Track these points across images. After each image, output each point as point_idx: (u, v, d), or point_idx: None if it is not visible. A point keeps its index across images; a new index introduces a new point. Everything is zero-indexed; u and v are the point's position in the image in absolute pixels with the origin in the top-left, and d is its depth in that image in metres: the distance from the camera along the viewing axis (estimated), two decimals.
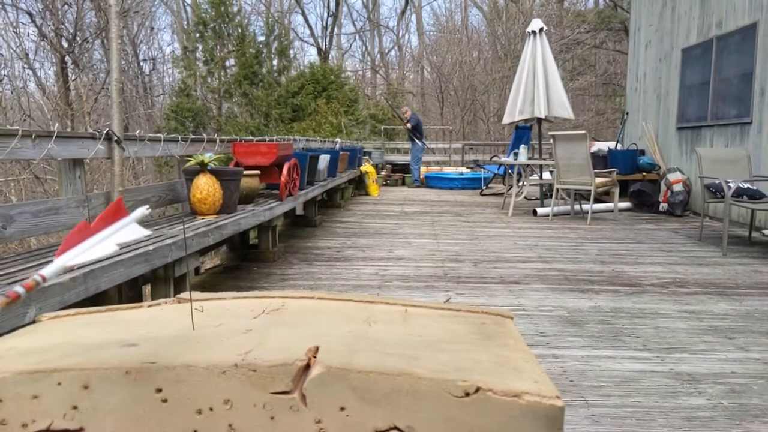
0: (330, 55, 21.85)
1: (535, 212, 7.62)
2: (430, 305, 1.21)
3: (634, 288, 3.90)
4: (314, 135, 12.97)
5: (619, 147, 9.65)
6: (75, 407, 0.82)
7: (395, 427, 0.80)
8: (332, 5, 22.07)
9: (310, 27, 23.09)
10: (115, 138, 3.15)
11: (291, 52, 17.79)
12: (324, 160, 6.76)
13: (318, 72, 16.52)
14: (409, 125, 11.88)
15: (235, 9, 16.12)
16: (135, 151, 3.50)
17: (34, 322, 1.16)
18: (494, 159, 11.12)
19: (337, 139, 11.35)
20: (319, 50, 21.76)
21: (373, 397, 0.80)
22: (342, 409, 0.80)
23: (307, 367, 0.81)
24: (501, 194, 10.14)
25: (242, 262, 4.76)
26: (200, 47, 16.10)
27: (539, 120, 8.16)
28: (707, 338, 2.91)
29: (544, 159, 8.89)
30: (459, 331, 1.05)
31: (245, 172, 4.20)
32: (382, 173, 13.26)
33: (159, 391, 0.82)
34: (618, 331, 3.01)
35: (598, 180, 6.92)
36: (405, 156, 14.18)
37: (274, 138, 7.06)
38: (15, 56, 13.00)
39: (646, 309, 3.42)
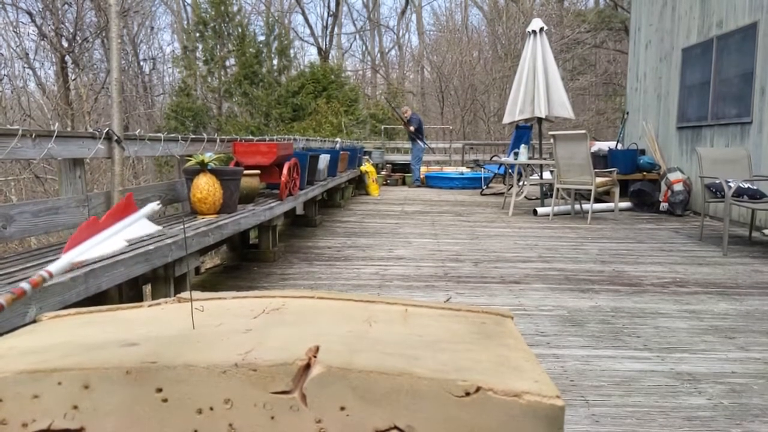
0: (330, 55, 21.85)
1: (535, 212, 7.62)
2: (430, 305, 1.21)
3: (635, 288, 3.90)
4: (314, 135, 12.97)
5: (619, 147, 9.65)
6: (75, 407, 0.82)
7: (395, 427, 0.80)
8: (332, 5, 22.07)
9: (310, 27, 23.12)
10: (115, 138, 3.15)
11: (291, 51, 17.80)
12: (324, 160, 6.75)
13: (318, 72, 16.52)
14: (412, 128, 11.84)
15: (235, 9, 16.12)
16: (135, 151, 3.50)
17: (34, 321, 1.16)
18: (494, 159, 11.12)
19: (337, 139, 11.36)
20: (320, 50, 21.77)
21: (373, 396, 0.80)
22: (342, 408, 0.80)
23: (308, 366, 0.81)
24: (501, 194, 10.14)
25: (242, 262, 4.76)
26: (200, 47, 16.10)
27: (539, 120, 8.15)
28: (707, 338, 2.91)
29: (545, 159, 8.89)
30: (459, 331, 1.05)
31: (245, 172, 4.20)
32: (383, 173, 13.26)
33: (159, 390, 0.82)
34: (618, 331, 3.01)
35: (599, 180, 6.92)
36: (405, 156, 14.18)
37: (274, 138, 7.06)
38: (15, 56, 13.01)
39: (646, 309, 3.42)
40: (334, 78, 16.48)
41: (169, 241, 2.73)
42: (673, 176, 7.67)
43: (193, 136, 4.31)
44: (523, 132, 10.14)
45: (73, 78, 12.94)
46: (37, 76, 13.79)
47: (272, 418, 0.81)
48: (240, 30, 15.88)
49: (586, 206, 7.37)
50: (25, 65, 13.31)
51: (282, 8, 23.56)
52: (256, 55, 15.90)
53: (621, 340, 2.88)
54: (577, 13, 20.45)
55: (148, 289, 3.22)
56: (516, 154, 8.09)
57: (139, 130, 6.87)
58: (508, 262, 4.69)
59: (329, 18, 22.22)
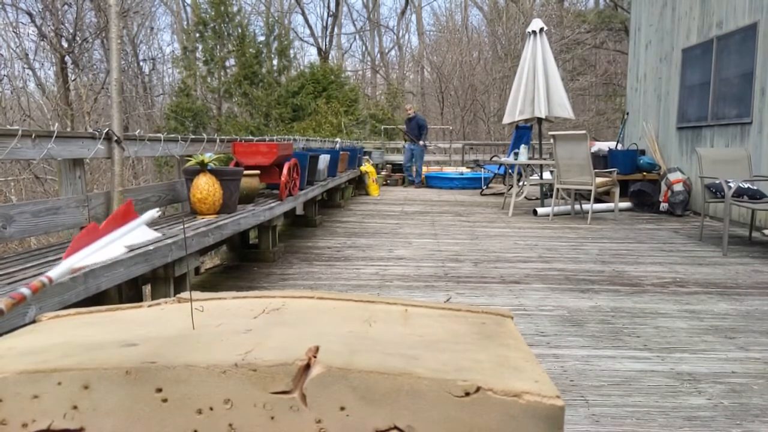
0: (330, 55, 21.86)
1: (535, 212, 7.62)
2: (430, 305, 1.21)
3: (635, 288, 3.90)
4: (314, 135, 12.98)
5: (619, 147, 9.65)
6: (75, 407, 0.82)
7: (395, 427, 0.80)
8: (332, 5, 22.09)
9: (310, 27, 23.13)
10: (115, 138, 3.15)
11: (291, 52, 17.80)
12: (324, 160, 6.75)
13: (318, 72, 16.52)
14: (421, 142, 11.82)
15: (235, 9, 16.13)
16: (135, 151, 3.50)
17: (34, 321, 1.16)
18: (494, 159, 11.11)
19: (337, 139, 11.35)
20: (319, 50, 21.78)
21: (373, 396, 0.80)
22: (342, 408, 0.80)
23: (308, 366, 0.81)
24: (501, 194, 10.14)
25: (242, 262, 4.76)
26: (200, 47, 16.10)
27: (539, 120, 8.16)
28: (707, 338, 2.91)
29: (545, 159, 8.89)
30: (459, 331, 1.05)
31: (245, 172, 4.20)
32: (383, 173, 13.26)
33: (159, 390, 0.82)
34: (618, 331, 3.01)
35: (599, 180, 6.92)
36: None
37: (274, 138, 7.06)
38: (15, 56, 13.01)
39: (646, 309, 3.42)
40: (334, 78, 16.48)
41: (169, 241, 2.72)
42: (673, 176, 7.67)
43: (193, 137, 4.31)
44: (523, 132, 10.14)
45: (72, 78, 12.95)
46: (37, 76, 13.80)
47: (272, 418, 0.81)
48: (240, 30, 15.88)
49: (586, 206, 7.37)
50: (25, 66, 13.32)
51: (282, 8, 23.57)
52: (256, 56, 15.90)
53: (621, 340, 2.88)
54: (577, 13, 20.46)
55: (147, 289, 3.22)
56: (516, 154, 8.09)
57: (138, 130, 6.87)
58: (508, 262, 4.69)
59: (329, 18, 22.24)
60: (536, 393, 0.78)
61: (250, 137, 6.96)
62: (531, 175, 9.52)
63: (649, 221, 7.15)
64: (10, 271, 2.17)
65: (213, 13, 15.64)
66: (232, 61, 16.15)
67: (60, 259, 2.31)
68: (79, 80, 12.67)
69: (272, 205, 4.46)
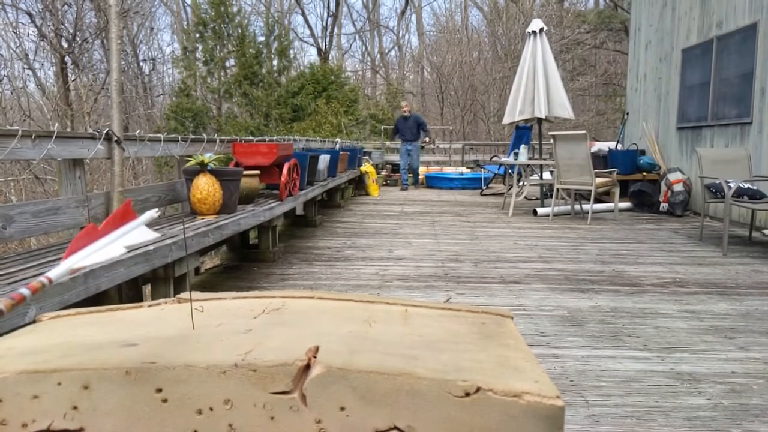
0: (330, 56, 21.87)
1: (535, 212, 7.62)
2: (430, 305, 1.21)
3: (635, 288, 3.90)
4: (314, 135, 12.98)
5: (619, 147, 9.65)
6: (75, 407, 0.82)
7: (395, 427, 0.80)
8: (332, 5, 22.09)
9: (310, 27, 23.14)
10: (115, 138, 3.15)
11: (291, 52, 17.81)
12: (324, 160, 6.75)
13: (318, 72, 16.53)
14: (427, 139, 11.84)
15: (235, 9, 16.14)
16: (135, 151, 3.50)
17: (34, 321, 1.16)
18: (494, 159, 11.11)
19: (337, 139, 11.35)
20: (319, 50, 21.78)
21: (373, 397, 0.79)
22: (342, 409, 0.80)
23: (307, 367, 0.81)
24: (501, 194, 10.14)
25: (242, 262, 4.76)
26: (200, 47, 16.11)
27: (539, 120, 8.16)
28: (707, 338, 2.91)
29: (545, 159, 8.89)
30: (459, 331, 1.05)
31: (245, 172, 4.20)
32: (382, 173, 13.26)
33: (159, 391, 0.82)
34: (618, 331, 3.01)
35: (599, 180, 6.92)
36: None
37: (274, 138, 7.06)
38: (15, 56, 13.01)
39: (646, 309, 3.42)
40: (334, 78, 16.49)
41: (169, 241, 2.72)
42: (673, 176, 7.67)
43: (193, 137, 4.31)
44: (523, 132, 10.14)
45: (72, 78, 12.95)
46: (37, 76, 13.80)
47: (272, 418, 0.81)
48: (240, 31, 15.88)
49: (586, 206, 7.37)
50: (25, 66, 13.32)
51: (282, 9, 23.58)
52: (256, 56, 15.90)
53: (621, 340, 2.88)
54: (577, 13, 20.47)
55: (147, 289, 3.22)
56: (516, 154, 8.09)
57: (138, 130, 6.87)
58: (508, 262, 4.69)
59: (329, 18, 22.25)
60: (536, 393, 0.78)
61: (250, 137, 6.96)
62: (531, 176, 9.52)
63: (649, 221, 7.15)
64: (10, 271, 2.17)
65: (213, 14, 15.64)
66: (232, 62, 16.16)
67: (60, 259, 2.31)
68: (79, 80, 12.68)
69: (272, 205, 4.46)
